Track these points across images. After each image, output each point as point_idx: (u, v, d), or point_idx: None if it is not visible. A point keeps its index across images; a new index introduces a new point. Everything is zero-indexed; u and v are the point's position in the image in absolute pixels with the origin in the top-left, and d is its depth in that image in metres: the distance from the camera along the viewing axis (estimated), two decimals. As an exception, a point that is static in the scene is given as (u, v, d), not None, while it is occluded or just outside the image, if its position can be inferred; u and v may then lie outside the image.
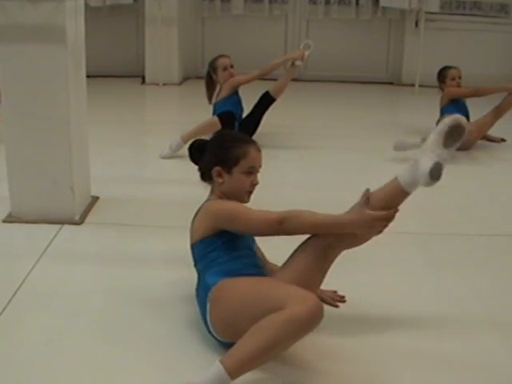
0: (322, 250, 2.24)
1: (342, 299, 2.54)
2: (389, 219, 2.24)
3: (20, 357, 2.14)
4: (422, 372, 2.14)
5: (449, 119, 2.25)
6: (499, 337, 2.35)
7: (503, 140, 4.95)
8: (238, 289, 2.12)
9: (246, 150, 2.34)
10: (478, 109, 4.74)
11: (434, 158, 2.20)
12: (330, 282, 2.69)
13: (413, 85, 6.68)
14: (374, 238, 3.08)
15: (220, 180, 2.35)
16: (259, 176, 2.40)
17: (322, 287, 2.41)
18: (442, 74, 4.84)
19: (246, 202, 2.37)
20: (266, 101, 4.65)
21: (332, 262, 2.30)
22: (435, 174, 2.21)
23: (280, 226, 2.17)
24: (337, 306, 2.50)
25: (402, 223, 3.37)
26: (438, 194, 3.97)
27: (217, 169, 2.35)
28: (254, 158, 2.35)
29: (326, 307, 2.45)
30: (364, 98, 6.60)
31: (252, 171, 2.35)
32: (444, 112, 4.74)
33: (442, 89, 4.85)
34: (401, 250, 3.08)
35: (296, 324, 1.90)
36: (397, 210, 2.27)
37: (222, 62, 4.61)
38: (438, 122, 4.74)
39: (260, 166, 2.39)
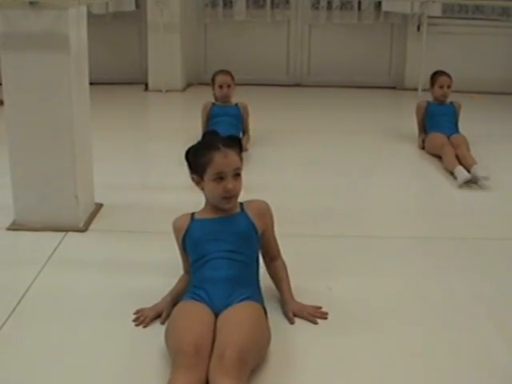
0: None
1: (324, 315, 2.43)
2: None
3: (24, 364, 2.14)
4: (425, 375, 2.14)
5: None
6: (504, 343, 2.35)
7: None
8: None
9: (211, 157, 2.33)
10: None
11: None
12: (334, 285, 2.69)
13: (416, 89, 6.68)
14: (378, 243, 3.08)
15: (199, 187, 2.42)
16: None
17: (304, 302, 2.47)
18: (433, 78, 4.79)
19: (226, 208, 2.40)
20: None
21: None
22: None
23: None
24: (316, 323, 2.40)
25: (405, 228, 3.39)
26: (440, 199, 3.97)
27: (193, 177, 2.42)
28: (219, 164, 2.32)
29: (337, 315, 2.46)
30: (367, 102, 6.60)
31: (222, 177, 2.33)
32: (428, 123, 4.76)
33: (431, 93, 4.82)
34: (404, 254, 3.07)
35: None
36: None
37: (220, 79, 4.60)
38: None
39: (235, 169, 2.35)
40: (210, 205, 2.43)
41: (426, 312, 2.54)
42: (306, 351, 2.24)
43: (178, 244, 2.49)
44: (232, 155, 2.35)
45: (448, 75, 4.75)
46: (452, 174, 4.10)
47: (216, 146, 2.35)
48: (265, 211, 2.49)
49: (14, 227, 3.20)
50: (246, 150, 4.55)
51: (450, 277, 2.84)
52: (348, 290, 2.67)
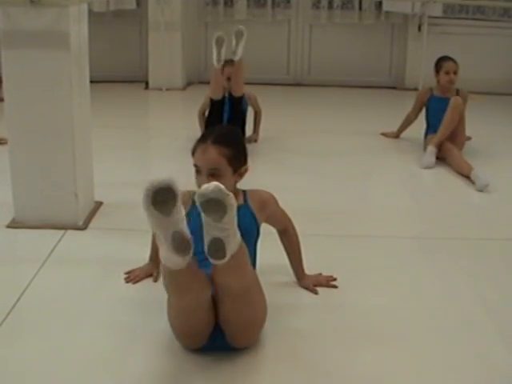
0: None
1: (334, 279, 2.70)
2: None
3: (24, 361, 2.14)
4: (425, 375, 2.14)
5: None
6: (504, 344, 2.35)
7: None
8: None
9: (195, 148, 2.29)
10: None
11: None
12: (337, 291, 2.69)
13: (416, 89, 6.63)
14: (378, 243, 3.07)
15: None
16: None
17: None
18: (439, 64, 4.63)
19: None
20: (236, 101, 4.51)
21: None
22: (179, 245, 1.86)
23: None
24: (336, 287, 2.66)
25: (405, 228, 3.39)
26: (440, 200, 3.97)
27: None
28: (196, 158, 2.27)
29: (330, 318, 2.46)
30: (367, 102, 6.60)
31: (197, 170, 2.26)
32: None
33: (437, 80, 4.69)
34: (404, 254, 3.07)
35: None
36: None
37: (228, 70, 4.53)
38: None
39: (210, 169, 2.22)
40: None
41: (425, 312, 2.55)
42: (303, 348, 2.25)
43: None
44: (212, 153, 2.23)
45: (454, 61, 4.57)
46: (468, 178, 4.08)
47: (204, 139, 2.29)
48: (266, 203, 2.45)
49: (14, 225, 3.20)
50: (256, 140, 4.58)
51: (449, 277, 2.84)
52: (347, 289, 2.67)
